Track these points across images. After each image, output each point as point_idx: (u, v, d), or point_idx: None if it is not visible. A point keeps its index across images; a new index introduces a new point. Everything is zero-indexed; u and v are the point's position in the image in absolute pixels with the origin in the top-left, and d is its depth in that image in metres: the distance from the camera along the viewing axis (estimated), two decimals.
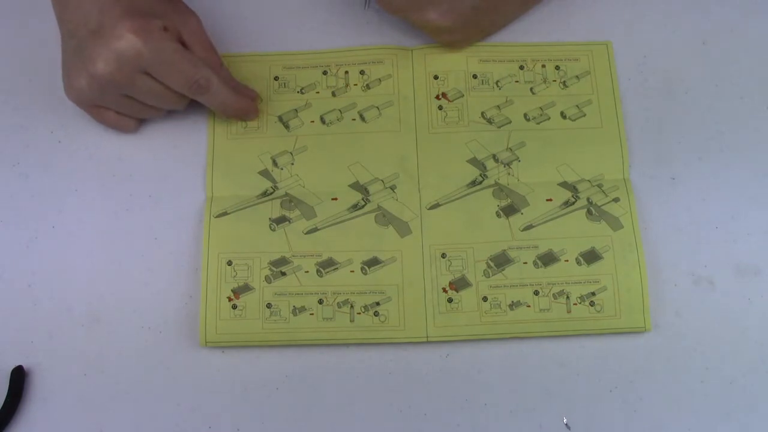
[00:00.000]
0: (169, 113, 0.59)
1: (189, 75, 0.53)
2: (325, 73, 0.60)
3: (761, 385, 0.54)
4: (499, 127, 0.59)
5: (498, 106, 0.59)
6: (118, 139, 0.58)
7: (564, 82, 0.60)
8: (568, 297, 0.55)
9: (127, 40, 0.50)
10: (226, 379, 0.54)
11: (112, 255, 0.56)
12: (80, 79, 0.53)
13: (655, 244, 0.56)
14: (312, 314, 0.54)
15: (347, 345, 0.55)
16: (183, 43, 0.54)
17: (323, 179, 0.57)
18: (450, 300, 0.55)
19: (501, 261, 0.55)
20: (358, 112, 0.59)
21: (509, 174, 0.57)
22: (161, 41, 0.51)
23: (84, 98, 0.55)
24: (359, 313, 0.54)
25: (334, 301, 0.55)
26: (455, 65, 0.60)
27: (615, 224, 0.56)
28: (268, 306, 0.54)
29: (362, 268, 0.55)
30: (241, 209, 0.56)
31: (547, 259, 0.55)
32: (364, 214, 0.57)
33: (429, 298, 0.55)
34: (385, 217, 0.56)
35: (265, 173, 0.58)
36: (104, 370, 0.54)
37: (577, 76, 0.60)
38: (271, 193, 0.57)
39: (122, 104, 0.55)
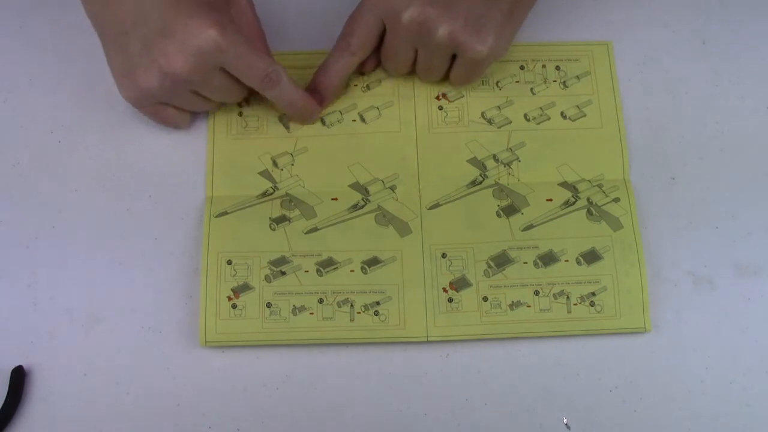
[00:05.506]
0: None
1: (261, 69, 0.52)
2: None
3: (761, 385, 0.54)
4: (500, 127, 0.59)
5: (498, 107, 0.59)
6: (118, 139, 0.58)
7: (564, 82, 0.60)
8: (568, 297, 0.55)
9: (207, 36, 0.49)
10: (226, 379, 0.54)
11: (112, 255, 0.56)
12: (150, 79, 0.51)
13: (655, 244, 0.56)
14: (312, 314, 0.54)
15: (347, 345, 0.55)
16: None
17: (323, 180, 0.57)
18: (450, 300, 0.55)
19: (501, 261, 0.55)
20: (359, 113, 0.59)
21: (509, 174, 0.57)
22: (235, 34, 0.50)
23: (149, 97, 0.53)
24: (359, 313, 0.54)
25: (334, 300, 0.55)
26: None
27: (615, 224, 0.56)
28: (268, 305, 0.54)
29: (362, 268, 0.55)
30: (241, 209, 0.56)
31: (548, 259, 0.55)
32: (364, 214, 0.57)
33: (429, 298, 0.55)
34: (385, 217, 0.56)
35: (265, 174, 0.58)
36: (104, 370, 0.54)
37: (577, 77, 0.60)
38: (271, 194, 0.57)
39: (187, 101, 0.55)
